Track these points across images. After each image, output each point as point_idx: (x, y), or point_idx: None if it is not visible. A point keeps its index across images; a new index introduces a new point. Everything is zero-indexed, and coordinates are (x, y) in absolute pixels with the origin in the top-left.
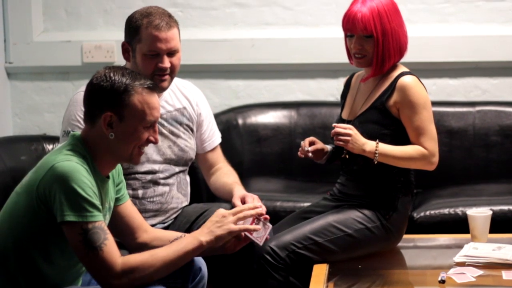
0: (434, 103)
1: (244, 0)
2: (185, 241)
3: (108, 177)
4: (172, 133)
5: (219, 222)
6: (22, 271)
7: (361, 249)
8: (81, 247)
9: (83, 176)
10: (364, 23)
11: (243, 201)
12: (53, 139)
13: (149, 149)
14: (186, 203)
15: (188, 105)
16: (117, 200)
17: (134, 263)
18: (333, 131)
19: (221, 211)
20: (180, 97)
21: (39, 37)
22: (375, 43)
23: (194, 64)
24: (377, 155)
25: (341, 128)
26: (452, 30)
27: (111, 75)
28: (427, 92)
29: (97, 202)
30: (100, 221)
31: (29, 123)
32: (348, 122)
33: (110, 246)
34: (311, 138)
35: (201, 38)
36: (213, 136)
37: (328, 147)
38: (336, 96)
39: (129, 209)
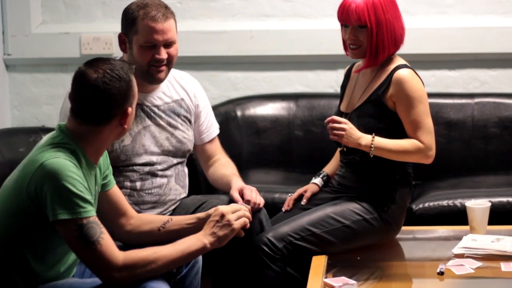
0: (433, 95)
1: None
2: (189, 242)
3: (96, 164)
4: (169, 124)
5: (219, 222)
6: (12, 267)
7: (358, 241)
8: (78, 243)
9: (72, 173)
10: (358, 13)
11: (241, 193)
12: (52, 131)
13: (147, 141)
14: (184, 194)
15: (186, 96)
16: (104, 185)
17: (136, 259)
18: (328, 126)
19: (220, 210)
20: (177, 88)
21: (37, 29)
22: (369, 33)
23: (192, 56)
24: (372, 148)
25: (335, 122)
26: (451, 21)
27: (116, 73)
28: (423, 85)
29: (89, 197)
30: (94, 216)
31: (27, 115)
32: (345, 114)
33: (107, 240)
34: (296, 196)
35: (199, 29)
36: (211, 127)
37: (317, 182)
38: (335, 88)
39: (117, 194)
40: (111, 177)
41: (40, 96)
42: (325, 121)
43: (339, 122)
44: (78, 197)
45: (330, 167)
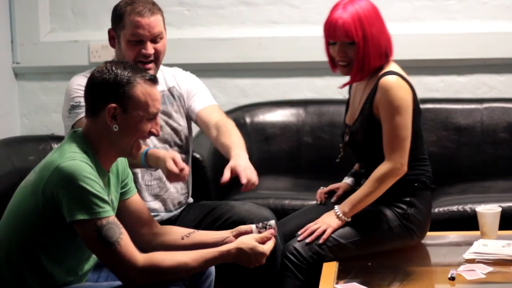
0: (442, 100)
1: None
2: (216, 260)
3: (108, 171)
4: (163, 112)
5: (252, 261)
6: (27, 269)
7: (381, 248)
8: (97, 244)
9: (88, 173)
10: (345, 29)
11: (234, 171)
12: (61, 139)
13: None
14: (186, 190)
15: (176, 84)
16: (124, 194)
17: (158, 266)
18: (312, 236)
19: (263, 250)
20: (168, 78)
21: (46, 37)
22: (356, 49)
23: (201, 63)
24: (340, 215)
25: (309, 231)
26: (459, 27)
27: (113, 68)
28: (412, 93)
29: (106, 197)
30: (112, 215)
31: (36, 123)
32: (349, 127)
33: (126, 240)
34: (327, 190)
35: (208, 36)
36: (205, 98)
37: (350, 182)
38: (343, 94)
39: (138, 203)
40: (131, 185)
41: (49, 104)
42: (299, 238)
43: (313, 230)
44: (96, 197)
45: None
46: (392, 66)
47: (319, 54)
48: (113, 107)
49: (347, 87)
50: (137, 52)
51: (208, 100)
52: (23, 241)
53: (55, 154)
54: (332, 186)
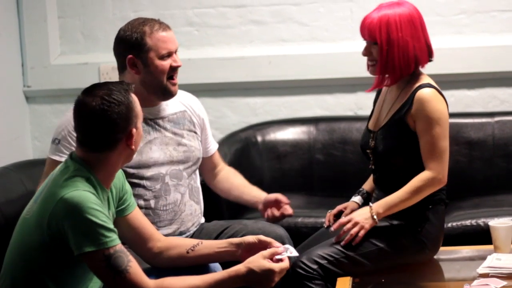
0: (453, 115)
1: (260, 17)
2: (226, 280)
3: (109, 189)
4: (175, 134)
5: (263, 279)
6: None
7: (392, 261)
8: (107, 274)
9: (93, 204)
10: (369, 29)
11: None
12: None
13: (155, 153)
14: (200, 210)
15: (187, 109)
16: (124, 210)
17: None
18: (343, 229)
19: (272, 267)
20: (177, 103)
21: (56, 60)
22: (379, 50)
23: (211, 82)
24: (374, 215)
25: (343, 223)
26: (468, 41)
27: (114, 97)
28: (447, 106)
29: (111, 225)
30: (119, 243)
31: (48, 146)
32: (373, 132)
33: (135, 267)
34: (335, 212)
35: (217, 56)
36: (213, 140)
37: (357, 200)
38: (354, 111)
39: (139, 218)
40: (130, 201)
41: None
42: (331, 229)
43: (346, 221)
44: (102, 227)
45: (369, 184)
46: (427, 79)
47: (329, 71)
48: (132, 132)
49: (361, 99)
50: (169, 68)
51: (215, 143)
52: (29, 272)
53: (57, 184)
54: (340, 207)
